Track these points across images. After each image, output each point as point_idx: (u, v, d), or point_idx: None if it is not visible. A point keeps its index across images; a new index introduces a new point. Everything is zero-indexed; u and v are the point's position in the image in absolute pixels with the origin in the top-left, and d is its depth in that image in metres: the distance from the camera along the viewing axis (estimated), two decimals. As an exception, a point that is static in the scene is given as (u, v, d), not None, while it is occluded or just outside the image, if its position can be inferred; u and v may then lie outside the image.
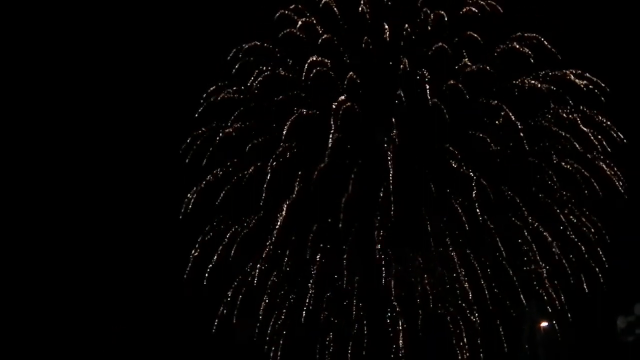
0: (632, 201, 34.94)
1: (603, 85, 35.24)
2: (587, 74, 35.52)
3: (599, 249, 35.12)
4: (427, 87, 34.91)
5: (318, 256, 34.82)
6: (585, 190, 35.08)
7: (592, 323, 36.28)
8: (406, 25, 35.82)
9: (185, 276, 35.04)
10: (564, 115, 35.30)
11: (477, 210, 34.43)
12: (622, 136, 34.97)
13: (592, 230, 35.30)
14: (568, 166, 35.23)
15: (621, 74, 36.43)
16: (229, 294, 35.21)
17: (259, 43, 36.19)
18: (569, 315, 35.35)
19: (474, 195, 34.67)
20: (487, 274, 35.04)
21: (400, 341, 34.84)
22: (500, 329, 35.08)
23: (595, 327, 36.39)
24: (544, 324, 36.33)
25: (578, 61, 35.70)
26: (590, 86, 35.39)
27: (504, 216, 35.28)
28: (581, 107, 35.38)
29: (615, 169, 35.08)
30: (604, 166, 35.04)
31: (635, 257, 35.54)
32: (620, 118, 35.30)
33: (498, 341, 35.07)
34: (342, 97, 35.05)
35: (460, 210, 34.67)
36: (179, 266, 35.05)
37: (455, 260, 34.91)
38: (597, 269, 34.95)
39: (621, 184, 34.94)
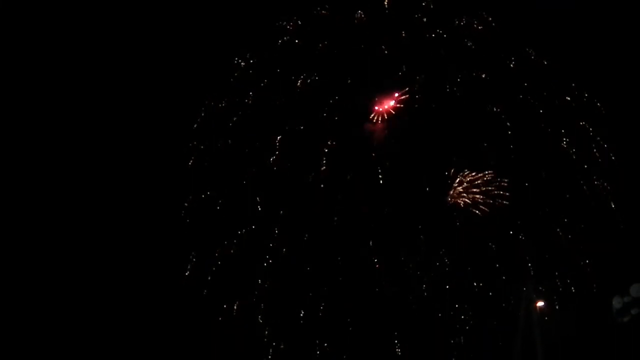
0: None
1: (595, 99, 35.89)
2: (583, 91, 36.20)
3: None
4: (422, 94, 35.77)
5: (314, 260, 36.06)
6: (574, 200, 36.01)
7: (587, 304, 37.13)
8: (403, 34, 36.33)
9: (184, 279, 36.36)
10: (556, 127, 35.99)
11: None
12: (612, 156, 35.75)
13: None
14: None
15: (616, 87, 36.81)
16: (229, 293, 36.53)
17: (257, 54, 36.86)
18: (564, 296, 36.46)
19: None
20: (480, 272, 36.32)
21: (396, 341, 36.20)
22: (495, 323, 36.48)
23: (590, 308, 37.18)
24: (540, 303, 37.22)
25: (572, 76, 36.31)
26: (584, 101, 35.98)
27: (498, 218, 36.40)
28: (575, 121, 36.04)
29: (608, 186, 36.02)
30: (594, 179, 35.88)
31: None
32: (614, 132, 35.99)
33: (493, 336, 36.41)
34: (336, 103, 35.88)
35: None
36: (179, 270, 36.35)
37: (447, 261, 36.13)
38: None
39: (610, 193, 35.85)
